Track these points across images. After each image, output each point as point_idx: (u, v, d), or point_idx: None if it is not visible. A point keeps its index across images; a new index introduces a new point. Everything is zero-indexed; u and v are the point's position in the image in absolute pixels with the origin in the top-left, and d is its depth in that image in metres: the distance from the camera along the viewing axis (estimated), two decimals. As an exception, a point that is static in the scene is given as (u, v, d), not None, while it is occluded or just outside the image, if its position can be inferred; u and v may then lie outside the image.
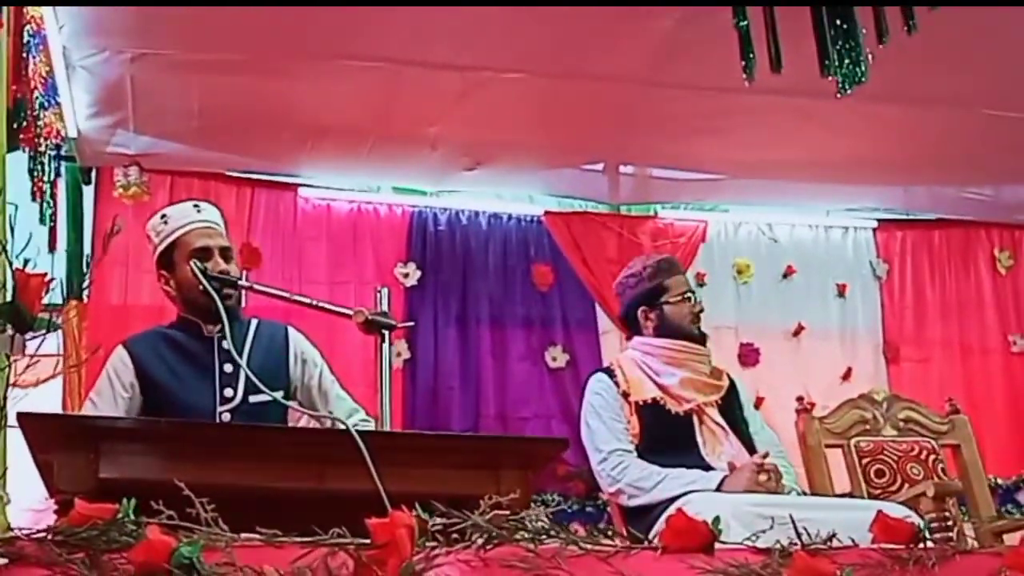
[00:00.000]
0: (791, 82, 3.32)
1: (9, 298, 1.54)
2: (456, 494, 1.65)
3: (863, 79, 3.23)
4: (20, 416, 1.90)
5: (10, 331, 1.52)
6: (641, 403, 3.17)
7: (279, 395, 2.64)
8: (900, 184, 5.21)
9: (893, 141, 4.68)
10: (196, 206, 2.87)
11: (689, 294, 3.31)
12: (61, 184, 4.46)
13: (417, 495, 1.60)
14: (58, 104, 4.03)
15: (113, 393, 2.70)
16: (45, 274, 1.55)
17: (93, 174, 4.66)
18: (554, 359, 5.07)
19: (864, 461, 3.63)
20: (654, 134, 4.58)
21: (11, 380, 1.61)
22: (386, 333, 2.40)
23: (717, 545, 1.69)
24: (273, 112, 4.31)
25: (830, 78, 3.23)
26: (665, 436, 3.13)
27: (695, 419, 3.18)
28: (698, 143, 4.66)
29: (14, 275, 1.54)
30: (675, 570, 1.55)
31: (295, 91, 4.17)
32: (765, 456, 3.00)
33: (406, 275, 4.95)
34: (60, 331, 4.13)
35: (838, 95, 3.26)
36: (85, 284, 4.44)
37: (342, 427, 2.12)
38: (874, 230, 5.51)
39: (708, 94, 4.17)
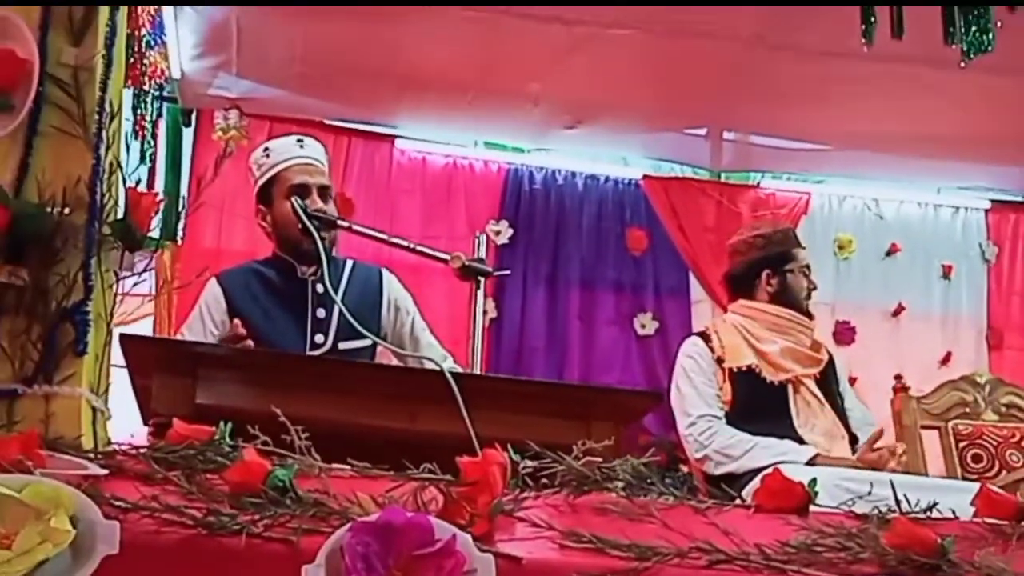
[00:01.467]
0: (909, 49, 3.18)
1: (120, 215, 1.56)
2: (545, 442, 1.62)
3: (990, 48, 3.08)
4: (122, 338, 1.94)
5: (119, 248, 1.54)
6: (736, 369, 3.12)
7: (373, 339, 2.63)
8: (1017, 164, 4.99)
9: (1011, 118, 4.47)
10: (299, 141, 2.86)
11: (808, 269, 3.27)
12: (162, 124, 4.53)
13: (506, 441, 1.58)
14: (164, 44, 4.09)
15: (204, 328, 2.72)
16: (156, 193, 1.57)
17: (193, 116, 4.70)
18: (643, 326, 5.02)
19: (961, 445, 3.52)
20: (761, 99, 4.47)
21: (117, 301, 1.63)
22: (481, 280, 2.39)
23: (812, 509, 1.64)
24: (375, 61, 4.31)
25: (953, 46, 3.10)
26: (758, 405, 3.07)
27: (790, 389, 3.12)
28: (806, 111, 4.53)
29: (127, 193, 1.56)
30: (770, 527, 1.50)
31: (398, 40, 4.15)
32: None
33: (498, 233, 4.92)
34: (153, 272, 4.22)
35: (962, 64, 3.12)
36: (180, 225, 4.50)
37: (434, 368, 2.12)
38: (986, 211, 5.32)
39: (820, 59, 4.04)
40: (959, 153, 4.83)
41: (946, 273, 5.22)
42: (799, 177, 5.21)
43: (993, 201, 5.32)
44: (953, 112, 4.43)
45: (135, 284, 1.68)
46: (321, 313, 2.76)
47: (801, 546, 1.43)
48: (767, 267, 3.24)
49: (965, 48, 3.09)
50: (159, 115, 4.48)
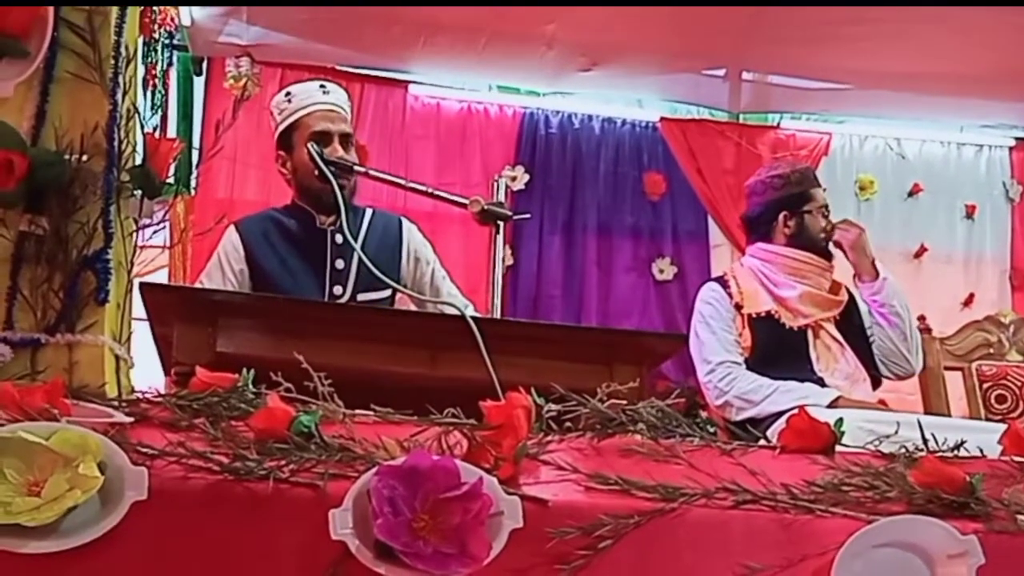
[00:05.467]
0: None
1: (139, 162, 1.54)
2: (568, 387, 1.61)
3: (1020, -23, 3.02)
4: (142, 286, 1.93)
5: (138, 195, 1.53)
6: (754, 315, 3.10)
7: (392, 289, 2.61)
8: (1042, 100, 4.90)
9: (1037, 53, 4.39)
10: (323, 87, 2.81)
11: (826, 210, 3.22)
12: (172, 74, 4.48)
13: (528, 385, 1.57)
14: (173, -10, 4.05)
15: (223, 277, 2.70)
16: (175, 139, 1.56)
17: (204, 65, 4.63)
18: (661, 271, 4.98)
19: (985, 386, 3.50)
20: (781, 39, 4.39)
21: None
22: (501, 224, 2.36)
23: (838, 448, 1.63)
24: (386, 5, 4.25)
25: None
26: (778, 350, 3.05)
27: (810, 334, 3.10)
28: (827, 50, 4.45)
29: (144, 139, 1.55)
30: (796, 467, 1.49)
31: (410, -17, 4.10)
32: None
33: (514, 178, 4.87)
34: (168, 223, 4.21)
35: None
36: (194, 176, 4.47)
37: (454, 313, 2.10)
38: (1010, 149, 5.23)
39: (842, -4, 3.97)
40: (982, 91, 4.74)
41: (969, 213, 5.15)
42: (819, 117, 5.12)
43: (1017, 139, 5.23)
44: (975, 49, 4.35)
45: (152, 235, 1.67)
46: (340, 264, 2.73)
47: (828, 486, 1.43)
48: (784, 208, 3.20)
49: (993, -20, 3.02)
50: (169, 64, 4.43)
